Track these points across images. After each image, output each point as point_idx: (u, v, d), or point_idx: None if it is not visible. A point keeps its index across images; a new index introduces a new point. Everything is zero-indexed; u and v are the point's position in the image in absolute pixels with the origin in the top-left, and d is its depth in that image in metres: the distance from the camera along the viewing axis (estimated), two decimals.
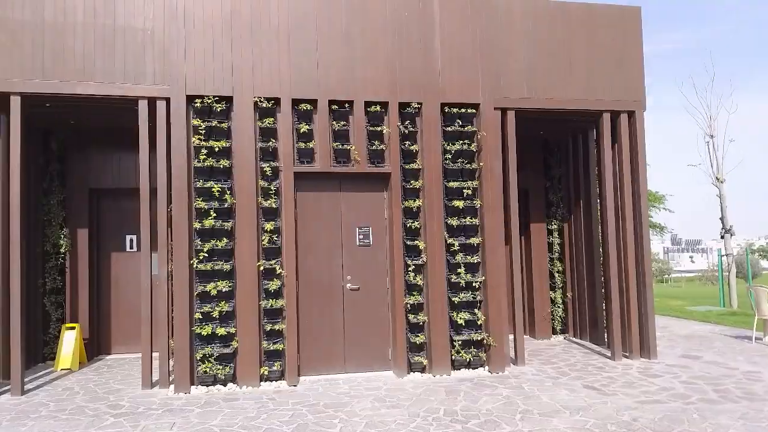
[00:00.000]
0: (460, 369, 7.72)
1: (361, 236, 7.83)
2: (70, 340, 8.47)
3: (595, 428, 5.43)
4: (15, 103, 7.03)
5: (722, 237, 17.60)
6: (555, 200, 10.52)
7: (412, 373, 7.59)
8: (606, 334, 9.50)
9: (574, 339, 10.31)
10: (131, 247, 9.61)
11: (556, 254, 10.54)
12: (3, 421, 5.90)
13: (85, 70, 7.13)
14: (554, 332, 10.54)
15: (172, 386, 7.21)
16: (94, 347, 9.31)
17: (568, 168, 10.43)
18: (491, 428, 5.51)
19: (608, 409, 6.04)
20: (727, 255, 17.44)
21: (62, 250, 8.95)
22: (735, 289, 16.99)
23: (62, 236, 8.95)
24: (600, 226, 9.54)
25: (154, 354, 9.10)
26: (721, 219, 17.46)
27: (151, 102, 7.33)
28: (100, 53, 7.17)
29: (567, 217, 10.49)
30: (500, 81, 7.96)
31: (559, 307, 10.48)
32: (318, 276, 7.67)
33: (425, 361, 7.57)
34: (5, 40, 6.96)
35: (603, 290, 9.53)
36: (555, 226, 10.52)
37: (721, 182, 17.48)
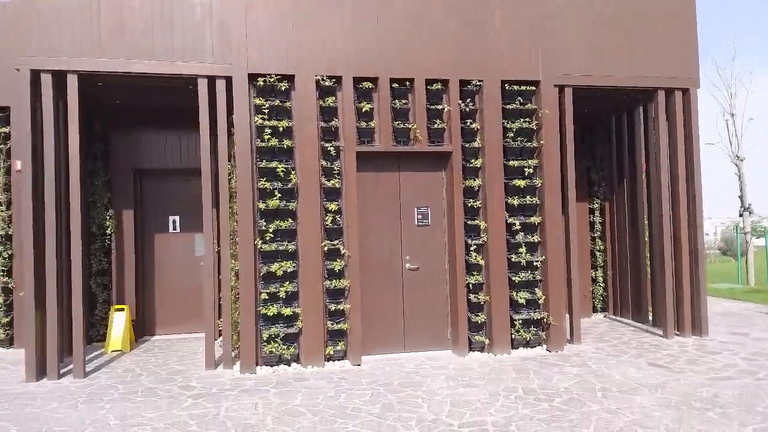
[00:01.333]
0: (518, 348, 7.73)
1: (420, 216, 7.77)
2: (120, 322, 8.39)
3: (681, 405, 5.46)
4: (72, 82, 6.87)
5: (741, 215, 17.69)
6: (596, 179, 10.48)
7: (472, 352, 7.59)
8: (651, 313, 9.54)
9: (614, 317, 10.35)
10: (174, 228, 9.50)
11: (597, 233, 10.54)
12: (78, 404, 5.85)
13: (143, 47, 6.96)
14: (594, 310, 10.57)
15: (235, 366, 7.17)
16: (139, 328, 9.24)
17: (610, 147, 10.38)
18: (578, 406, 5.52)
19: (684, 387, 6.07)
20: (745, 233, 17.56)
21: (108, 232, 8.83)
22: (753, 266, 17.12)
23: (108, 217, 8.83)
24: (647, 205, 9.54)
25: (197, 334, 9.11)
26: (740, 197, 17.54)
27: (211, 80, 7.18)
28: (158, 29, 7.00)
29: (609, 196, 10.47)
30: (558, 57, 7.87)
31: (600, 285, 10.50)
32: (377, 256, 7.62)
33: (485, 340, 7.57)
34: (61, 17, 6.77)
35: (649, 269, 9.56)
36: (596, 205, 10.50)
37: (741, 161, 17.53)
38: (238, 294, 7.25)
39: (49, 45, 6.75)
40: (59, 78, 6.91)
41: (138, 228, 9.19)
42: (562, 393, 5.94)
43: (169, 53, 7.01)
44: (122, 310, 8.47)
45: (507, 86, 7.76)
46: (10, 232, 8.50)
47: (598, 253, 10.54)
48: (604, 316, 10.48)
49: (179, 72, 7.03)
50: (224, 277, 7.15)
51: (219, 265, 9.08)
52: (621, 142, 10.14)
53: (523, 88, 7.80)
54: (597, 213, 10.52)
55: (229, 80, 7.19)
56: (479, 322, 7.58)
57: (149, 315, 9.34)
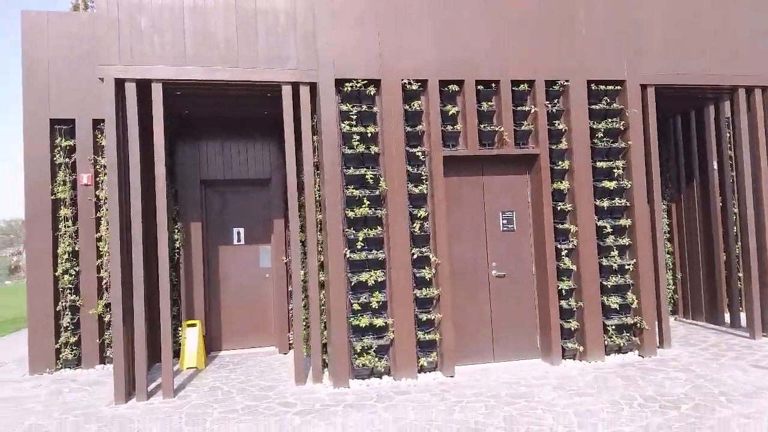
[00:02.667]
0: (610, 354, 7.49)
1: (505, 221, 7.56)
2: (193, 338, 8.16)
3: None
4: (157, 91, 6.69)
5: None
6: (662, 180, 10.27)
7: (565, 360, 7.35)
8: (729, 314, 9.32)
9: (685, 320, 10.10)
10: (238, 240, 9.29)
11: (665, 235, 10.31)
12: (182, 426, 5.61)
13: (227, 56, 6.79)
14: None
15: (325, 380, 6.94)
16: (206, 344, 9.00)
17: (676, 147, 10.17)
18: (708, 412, 5.30)
19: None
20: None
21: (177, 245, 8.62)
22: None
23: (176, 230, 8.62)
24: (721, 205, 9.34)
25: (264, 348, 8.86)
26: None
27: (294, 88, 7.01)
28: (243, 38, 6.83)
29: (675, 197, 10.25)
30: (643, 56, 7.68)
31: (669, 288, 10.26)
32: (463, 264, 7.40)
33: (578, 347, 7.33)
34: (146, 25, 6.60)
35: (724, 270, 9.34)
36: (663, 206, 10.28)
37: None
38: (323, 305, 7.04)
39: (131, 55, 6.57)
40: (143, 87, 6.72)
41: (205, 241, 8.98)
42: (684, 399, 5.70)
43: (253, 61, 6.83)
44: (194, 325, 8.25)
45: (593, 86, 7.56)
46: (77, 248, 8.28)
47: (666, 255, 10.30)
48: (675, 319, 10.22)
49: (263, 79, 6.85)
50: (295, 290, 6.92)
51: (290, 277, 8.92)
52: (688, 142, 9.93)
53: (609, 87, 7.61)
54: (664, 215, 10.29)
55: (313, 86, 7.02)
56: (572, 328, 7.35)
57: (215, 330, 9.11)
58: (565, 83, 7.41)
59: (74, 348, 8.23)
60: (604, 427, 5.06)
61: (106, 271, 8.29)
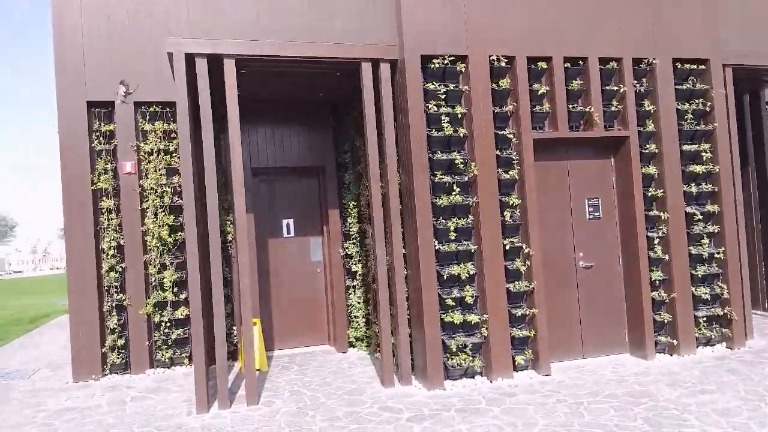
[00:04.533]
0: (698, 347, 7.17)
1: (591, 208, 7.15)
2: (254, 338, 7.55)
3: None
4: (229, 68, 6.07)
5: None
6: None
7: (657, 354, 7.01)
8: None
9: (757, 312, 9.81)
10: (288, 233, 8.70)
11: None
12: None
13: (303, 28, 6.21)
14: None
15: (414, 381, 6.46)
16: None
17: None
18: None
19: None
20: None
21: (229, 239, 7.99)
22: None
23: (228, 222, 7.99)
24: None
25: (318, 347, 8.29)
26: None
27: (374, 64, 6.46)
28: (319, 7, 6.24)
29: None
30: (725, 34, 7.33)
31: None
32: (550, 254, 6.97)
33: (669, 341, 6.99)
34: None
35: None
36: None
37: None
38: (407, 300, 6.54)
39: (202, 27, 5.94)
40: (214, 64, 6.09)
41: (255, 233, 8.37)
42: None
43: (329, 35, 6.26)
44: (255, 324, 7.65)
45: (678, 65, 7.19)
46: (121, 242, 7.60)
47: None
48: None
49: (342, 55, 6.29)
50: (380, 285, 6.47)
51: (331, 270, 8.38)
52: (743, 125, 9.67)
53: (693, 67, 7.24)
54: None
55: (394, 63, 6.48)
56: (665, 321, 7.00)
57: (267, 328, 8.52)
58: (653, 62, 7.01)
59: (121, 351, 7.56)
60: (760, 426, 4.69)
61: (153, 267, 7.62)
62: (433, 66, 6.36)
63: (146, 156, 7.69)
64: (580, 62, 6.88)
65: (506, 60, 6.58)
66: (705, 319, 7.12)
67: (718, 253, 7.19)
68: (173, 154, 7.77)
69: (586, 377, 6.36)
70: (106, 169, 7.58)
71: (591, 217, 7.15)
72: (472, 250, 6.43)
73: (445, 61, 6.38)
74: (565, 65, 6.82)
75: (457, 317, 6.29)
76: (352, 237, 8.34)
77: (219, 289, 6.03)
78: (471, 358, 6.35)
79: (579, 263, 7.08)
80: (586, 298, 7.08)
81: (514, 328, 6.54)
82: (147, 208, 7.65)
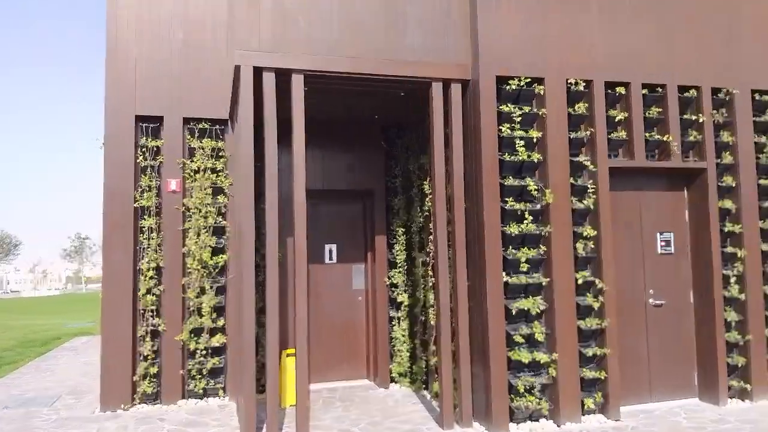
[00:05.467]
0: None
1: (663, 243, 6.76)
2: (293, 370, 7.09)
3: None
4: (297, 83, 5.74)
5: None
6: None
7: (730, 399, 6.55)
8: None
9: None
10: (330, 259, 8.28)
11: None
12: None
13: (375, 45, 5.91)
14: None
15: (475, 424, 5.98)
16: None
17: None
18: None
19: None
20: None
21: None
22: None
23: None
24: None
25: (357, 381, 7.78)
26: None
27: (445, 84, 6.14)
28: (391, 24, 5.96)
29: None
30: None
31: None
32: (620, 290, 6.54)
33: (741, 385, 6.54)
34: (291, 5, 5.67)
35: None
36: None
37: None
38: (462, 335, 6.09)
39: (273, 40, 5.63)
40: (282, 78, 5.76)
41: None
42: None
43: (400, 53, 5.96)
44: (293, 355, 7.18)
45: (756, 96, 6.88)
46: (161, 264, 7.18)
47: None
48: None
49: (413, 74, 5.98)
50: (443, 317, 6.12)
51: (375, 299, 7.94)
52: None
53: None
54: None
55: (465, 84, 6.16)
56: (738, 364, 6.55)
57: None
58: (733, 91, 6.70)
59: (153, 380, 7.08)
60: None
61: (193, 291, 7.19)
62: (508, 88, 6.04)
63: (192, 174, 7.32)
64: (658, 89, 6.56)
65: (584, 83, 6.26)
66: None
67: None
68: (219, 173, 7.41)
69: (659, 424, 5.89)
70: (150, 186, 7.21)
71: (662, 252, 6.75)
72: (543, 284, 6.01)
73: (521, 83, 6.05)
74: (642, 92, 6.50)
75: (525, 355, 5.85)
76: (399, 265, 7.92)
77: (275, 317, 5.60)
78: (538, 400, 5.88)
79: (649, 300, 6.65)
80: (655, 338, 6.64)
81: (584, 369, 6.08)
82: (189, 228, 7.25)
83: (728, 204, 6.68)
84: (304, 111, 5.75)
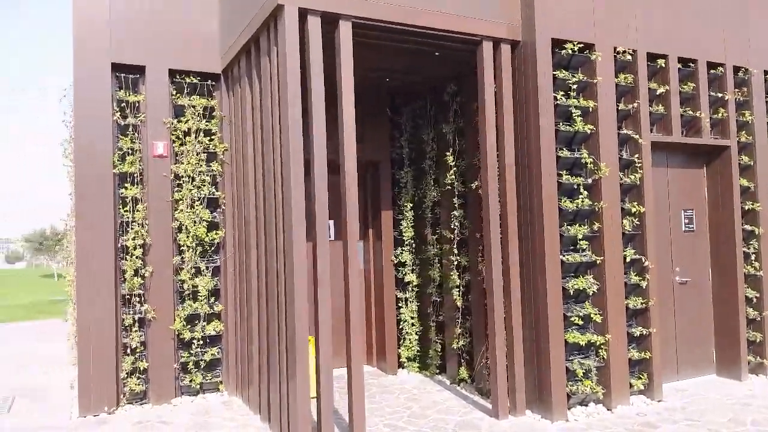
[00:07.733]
0: None
1: (687, 220, 6.73)
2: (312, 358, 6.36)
3: None
4: (345, 30, 4.98)
5: None
6: None
7: (750, 375, 6.68)
8: None
9: None
10: (329, 236, 7.52)
11: None
12: None
13: None
14: None
15: (527, 411, 5.62)
16: None
17: None
18: None
19: None
20: None
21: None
22: None
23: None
24: None
25: (361, 369, 7.21)
26: None
27: (495, 43, 5.63)
28: None
29: None
30: None
31: None
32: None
33: (758, 360, 6.69)
34: None
35: None
36: None
37: None
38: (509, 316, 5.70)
39: None
40: (328, 24, 4.96)
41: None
42: None
43: (442, 5, 5.34)
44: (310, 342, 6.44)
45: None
46: (148, 241, 6.13)
47: None
48: None
49: (463, 30, 5.40)
50: (496, 301, 5.85)
51: (380, 280, 7.38)
52: None
53: None
54: None
55: (514, 45, 5.68)
56: (756, 340, 6.69)
57: None
58: (753, 71, 6.74)
59: (141, 376, 6.07)
60: None
61: (187, 272, 6.22)
62: (564, 53, 5.62)
63: (181, 137, 6.29)
64: (691, 64, 6.45)
65: (631, 53, 5.98)
66: None
67: None
68: (213, 136, 6.44)
69: (703, 403, 5.84)
70: (132, 149, 6.10)
71: (686, 229, 6.71)
72: (597, 262, 5.72)
73: (575, 48, 5.66)
74: (679, 66, 6.36)
75: (581, 337, 5.54)
76: (406, 243, 7.36)
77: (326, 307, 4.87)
78: (593, 384, 5.61)
79: (675, 278, 6.59)
80: (681, 316, 6.61)
81: (630, 350, 5.90)
82: (180, 199, 6.24)
83: (744, 182, 6.74)
84: (352, 66, 4.99)
